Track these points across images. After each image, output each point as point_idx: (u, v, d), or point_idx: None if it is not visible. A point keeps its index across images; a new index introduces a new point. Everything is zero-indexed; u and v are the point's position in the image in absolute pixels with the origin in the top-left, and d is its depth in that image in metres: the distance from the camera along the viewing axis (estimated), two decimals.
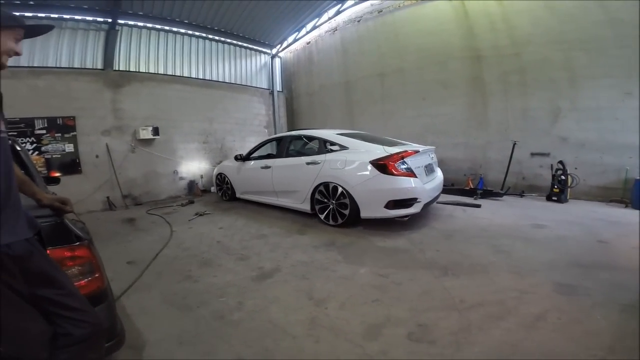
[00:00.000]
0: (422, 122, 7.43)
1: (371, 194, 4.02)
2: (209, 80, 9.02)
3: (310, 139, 5.22)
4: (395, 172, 3.92)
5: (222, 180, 6.84)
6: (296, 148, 5.52)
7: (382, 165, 3.96)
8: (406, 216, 4.06)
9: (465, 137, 6.85)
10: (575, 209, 4.96)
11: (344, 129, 5.72)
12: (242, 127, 9.78)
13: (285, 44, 10.45)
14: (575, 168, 5.53)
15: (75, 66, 6.71)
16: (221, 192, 6.94)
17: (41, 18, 6.21)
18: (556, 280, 2.64)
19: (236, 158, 6.30)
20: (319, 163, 4.58)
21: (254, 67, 10.41)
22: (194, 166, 8.44)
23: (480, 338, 1.98)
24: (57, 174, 6.03)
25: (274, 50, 10.76)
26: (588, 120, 5.48)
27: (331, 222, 4.46)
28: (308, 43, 10.21)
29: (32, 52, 6.16)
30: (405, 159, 4.03)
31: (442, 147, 6.11)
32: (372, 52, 8.36)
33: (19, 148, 2.36)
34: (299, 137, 5.45)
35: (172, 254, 3.77)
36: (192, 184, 8.23)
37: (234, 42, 9.60)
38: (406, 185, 3.94)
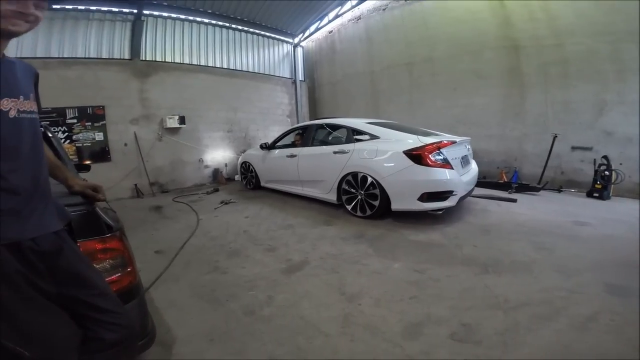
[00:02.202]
0: (453, 112, 7.10)
1: (404, 185, 3.82)
2: (233, 69, 8.99)
3: (338, 127, 5.06)
4: (431, 163, 3.70)
5: (246, 169, 6.82)
6: (323, 137, 5.38)
7: (416, 156, 3.74)
8: (440, 209, 3.86)
9: (500, 128, 6.48)
10: (619, 207, 4.59)
11: (369, 118, 5.51)
12: (266, 116, 9.74)
13: (307, 33, 10.28)
14: (620, 164, 5.10)
15: (104, 56, 6.79)
16: (245, 180, 6.93)
17: (68, 10, 6.31)
18: (605, 280, 2.43)
19: (261, 147, 6.24)
20: (347, 152, 4.42)
21: (277, 56, 10.31)
22: (218, 154, 8.48)
23: (529, 339, 1.84)
24: (88, 162, 6.19)
25: (296, 40, 10.60)
26: (636, 115, 5.02)
27: (359, 213, 4.30)
28: (330, 32, 9.97)
29: (62, 43, 6.28)
30: (441, 150, 3.81)
31: (474, 138, 5.76)
32: (399, 41, 8.03)
33: (50, 134, 2.34)
34: (326, 126, 5.29)
35: (199, 244, 3.73)
36: (216, 172, 8.28)
37: (257, 31, 9.50)
38: (442, 177, 3.72)
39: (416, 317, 2.11)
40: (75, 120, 6.37)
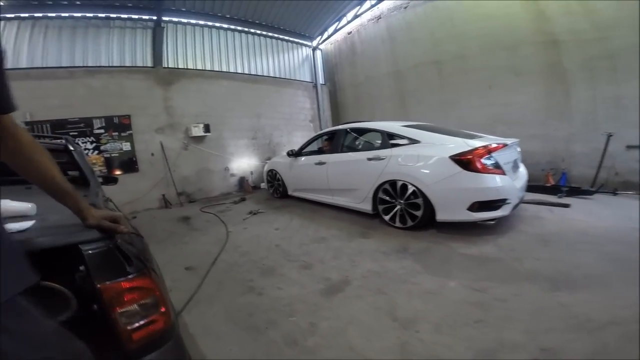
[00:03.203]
0: (490, 112, 6.68)
1: (451, 194, 3.47)
2: (254, 75, 8.92)
3: (370, 132, 4.76)
4: (482, 169, 3.33)
5: (273, 177, 6.63)
6: (353, 142, 5.09)
7: (465, 161, 3.38)
8: (493, 220, 3.48)
9: (544, 128, 6.01)
10: None
11: (399, 121, 5.17)
12: (289, 122, 9.59)
13: (325, 35, 10.13)
14: None
15: (127, 64, 6.81)
16: (272, 189, 6.73)
17: (89, 18, 6.36)
18: None
19: (288, 154, 6.03)
20: (384, 159, 4.10)
21: (296, 60, 10.20)
22: (243, 162, 8.37)
23: None
24: (118, 173, 6.17)
25: (315, 42, 10.47)
26: None
27: (398, 224, 3.97)
28: (349, 33, 9.75)
29: (86, 52, 6.32)
30: (492, 154, 3.43)
31: (515, 138, 5.45)
32: (425, 39, 7.69)
33: (72, 148, 2.16)
34: (356, 131, 5.01)
35: (230, 259, 3.52)
36: (242, 181, 8.18)
37: (275, 35, 9.44)
38: (494, 184, 3.34)
39: (487, 344, 1.83)
40: (102, 131, 6.38)
